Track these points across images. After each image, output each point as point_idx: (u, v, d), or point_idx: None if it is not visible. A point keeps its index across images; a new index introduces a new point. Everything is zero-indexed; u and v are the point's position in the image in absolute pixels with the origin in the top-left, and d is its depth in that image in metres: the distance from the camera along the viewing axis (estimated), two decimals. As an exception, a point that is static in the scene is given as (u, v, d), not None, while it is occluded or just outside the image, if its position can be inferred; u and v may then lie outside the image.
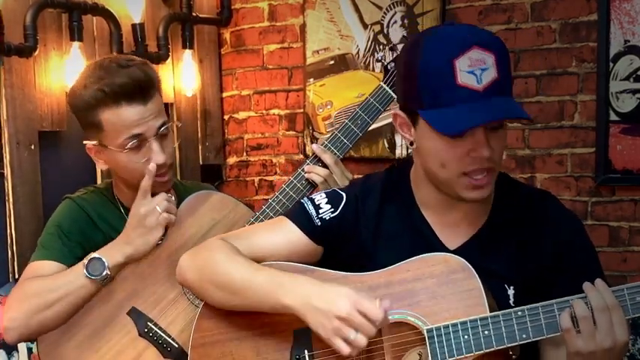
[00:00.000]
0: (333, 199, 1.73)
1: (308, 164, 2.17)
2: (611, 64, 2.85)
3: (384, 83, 2.17)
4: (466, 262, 1.55)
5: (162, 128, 1.94)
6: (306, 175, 2.17)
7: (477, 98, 1.47)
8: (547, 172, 3.01)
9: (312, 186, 2.17)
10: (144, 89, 1.91)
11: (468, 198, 1.57)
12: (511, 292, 1.61)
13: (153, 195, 1.96)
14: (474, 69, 1.47)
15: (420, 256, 1.59)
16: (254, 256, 1.69)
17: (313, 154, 2.19)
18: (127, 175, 1.99)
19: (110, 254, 1.92)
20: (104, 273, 1.90)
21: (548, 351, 1.62)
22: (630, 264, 2.87)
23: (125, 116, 1.89)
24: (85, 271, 1.89)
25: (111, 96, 1.88)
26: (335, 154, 2.17)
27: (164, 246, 2.00)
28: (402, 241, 1.66)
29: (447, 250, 1.64)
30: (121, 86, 1.88)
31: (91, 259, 1.90)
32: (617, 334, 1.44)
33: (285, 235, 1.71)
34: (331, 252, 1.72)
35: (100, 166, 2.03)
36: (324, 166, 2.15)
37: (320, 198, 1.74)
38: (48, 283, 1.90)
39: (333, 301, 1.49)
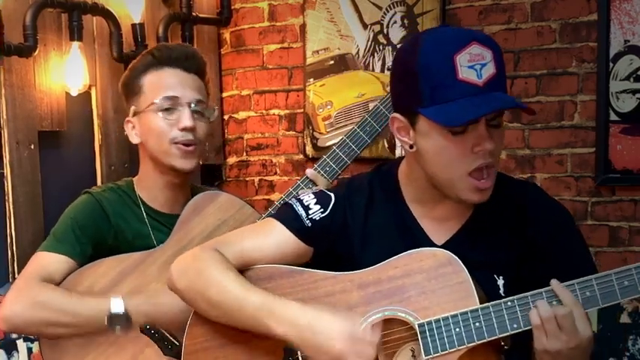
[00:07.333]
0: (322, 199, 1.72)
1: (302, 187, 2.15)
2: (611, 64, 2.85)
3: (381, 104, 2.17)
4: (454, 256, 1.56)
5: (197, 104, 2.00)
6: None
7: (477, 93, 1.48)
8: (547, 172, 3.01)
9: None
10: (189, 59, 2.02)
11: (470, 200, 1.58)
12: (501, 282, 1.62)
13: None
14: (474, 64, 1.48)
15: (408, 251, 1.59)
16: (244, 262, 1.68)
17: (306, 177, 2.17)
18: (154, 142, 1.99)
19: (136, 313, 1.90)
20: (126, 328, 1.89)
21: None
22: (630, 264, 2.86)
23: (165, 77, 2.00)
24: (109, 325, 1.88)
25: (158, 59, 2.00)
26: (325, 178, 2.15)
27: (169, 244, 2.00)
28: (390, 237, 1.67)
29: (434, 244, 1.64)
30: (167, 52, 2.01)
31: (116, 314, 1.88)
32: (580, 330, 1.46)
33: (274, 237, 1.70)
34: (322, 252, 1.71)
35: (134, 140, 2.04)
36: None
37: (309, 199, 1.72)
38: (67, 306, 1.88)
39: (327, 340, 1.50)
